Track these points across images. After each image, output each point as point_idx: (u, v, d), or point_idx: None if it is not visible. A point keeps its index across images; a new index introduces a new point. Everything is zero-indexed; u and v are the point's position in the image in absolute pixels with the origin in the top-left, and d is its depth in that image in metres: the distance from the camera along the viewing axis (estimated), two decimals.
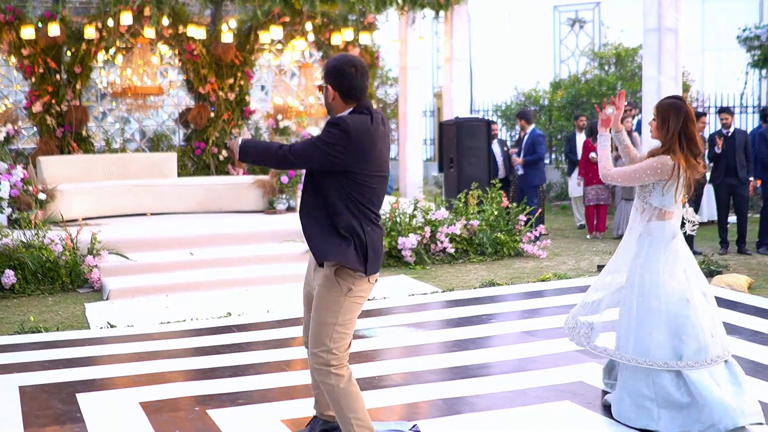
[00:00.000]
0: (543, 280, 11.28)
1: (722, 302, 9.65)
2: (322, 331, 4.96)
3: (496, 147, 15.46)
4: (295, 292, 10.67)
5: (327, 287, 4.95)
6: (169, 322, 9.29)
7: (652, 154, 5.91)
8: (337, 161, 4.80)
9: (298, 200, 14.71)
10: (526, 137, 15.17)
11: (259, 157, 5.00)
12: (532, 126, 15.37)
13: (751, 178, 13.79)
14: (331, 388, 5.00)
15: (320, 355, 4.98)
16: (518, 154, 15.31)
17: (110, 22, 15.96)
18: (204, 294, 10.77)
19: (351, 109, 4.97)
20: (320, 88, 5.05)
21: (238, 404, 6.47)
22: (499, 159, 15.26)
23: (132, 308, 10.05)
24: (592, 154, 15.15)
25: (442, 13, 17.53)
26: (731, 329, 8.48)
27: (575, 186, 16.23)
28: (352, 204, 4.89)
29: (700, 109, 19.44)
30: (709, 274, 11.44)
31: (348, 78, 4.92)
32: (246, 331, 8.86)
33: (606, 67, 22.45)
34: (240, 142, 4.97)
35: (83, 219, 13.63)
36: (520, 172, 15.04)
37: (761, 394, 6.50)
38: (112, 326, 9.11)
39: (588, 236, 15.47)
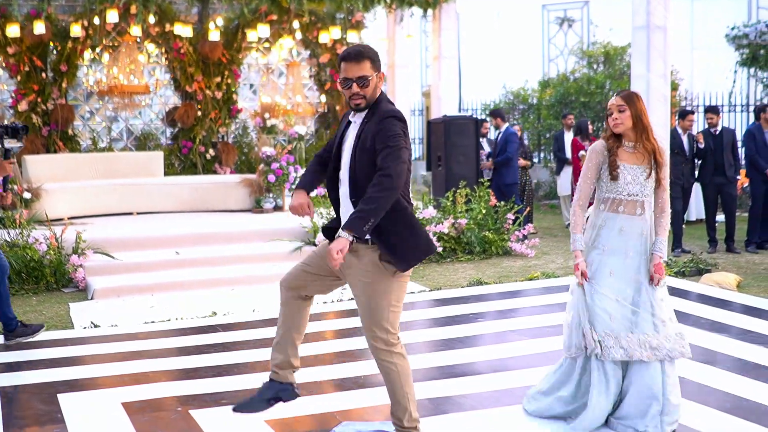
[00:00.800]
0: (531, 279, 11.22)
1: (711, 300, 9.66)
2: (378, 315, 5.21)
3: (485, 146, 15.42)
4: None
5: (374, 272, 5.13)
6: (153, 322, 9.20)
7: None
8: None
9: (286, 199, 14.76)
10: (500, 136, 15.10)
11: (379, 213, 4.88)
12: (506, 125, 15.27)
13: (739, 176, 13.76)
14: (394, 367, 5.31)
15: (381, 338, 5.27)
16: (489, 155, 15.21)
17: (96, 20, 15.87)
18: (189, 293, 10.68)
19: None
20: (362, 80, 5.08)
21: (222, 404, 6.38)
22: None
23: (117, 308, 9.95)
24: (581, 153, 15.10)
25: (430, 11, 17.47)
26: (720, 328, 8.46)
27: (564, 184, 16.18)
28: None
29: (688, 108, 19.43)
30: (698, 272, 11.42)
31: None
32: (231, 330, 8.78)
33: (595, 66, 22.42)
34: (352, 233, 4.84)
35: (69, 218, 13.54)
36: (487, 177, 14.84)
37: (750, 392, 6.45)
38: (95, 326, 9.02)
39: None
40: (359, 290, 5.23)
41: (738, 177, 13.64)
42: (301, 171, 15.06)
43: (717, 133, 13.26)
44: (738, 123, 19.83)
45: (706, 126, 13.51)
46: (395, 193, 4.91)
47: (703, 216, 15.94)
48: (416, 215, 12.62)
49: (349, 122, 5.27)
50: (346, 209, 5.16)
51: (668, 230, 5.80)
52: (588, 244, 5.77)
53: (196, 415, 6.15)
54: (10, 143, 7.87)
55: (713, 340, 7.92)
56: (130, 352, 8.00)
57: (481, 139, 15.39)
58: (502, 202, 13.69)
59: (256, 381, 6.94)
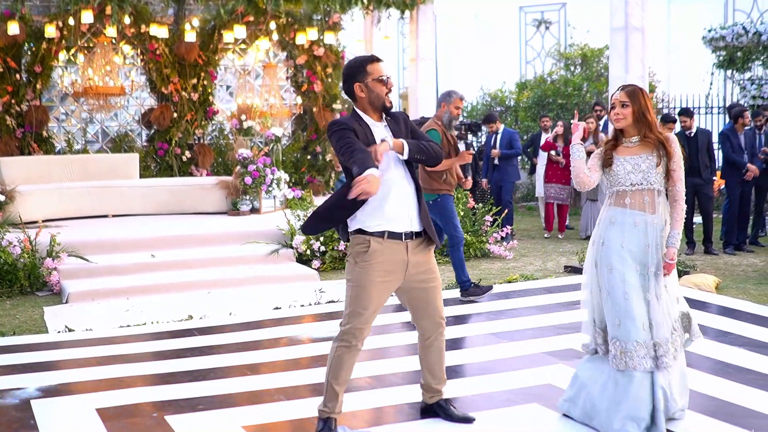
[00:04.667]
0: (510, 282, 11.18)
1: (690, 302, 9.61)
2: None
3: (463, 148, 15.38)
4: (258, 294, 10.55)
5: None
6: (128, 326, 9.09)
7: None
8: None
9: (263, 201, 14.67)
10: (499, 135, 15.07)
11: (429, 158, 5.54)
12: (502, 125, 15.29)
13: (715, 178, 13.77)
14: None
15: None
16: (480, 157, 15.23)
17: (71, 21, 15.72)
18: (165, 297, 10.58)
19: None
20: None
21: (198, 410, 6.30)
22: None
23: (91, 311, 9.83)
24: (552, 152, 15.11)
25: (407, 13, 17.46)
26: (699, 329, 8.42)
27: (542, 186, 16.15)
28: None
29: (665, 111, 19.46)
30: (677, 274, 11.38)
31: None
32: (207, 334, 8.68)
33: (572, 68, 22.43)
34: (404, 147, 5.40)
35: (43, 221, 13.38)
36: (482, 177, 14.83)
37: (729, 394, 6.43)
38: (70, 330, 8.90)
39: (546, 234, 15.46)
40: (435, 280, 5.63)
41: (714, 178, 13.65)
42: (278, 173, 14.97)
43: (692, 135, 13.26)
44: (715, 125, 19.86)
45: (681, 128, 13.52)
46: (437, 163, 5.64)
47: None
48: None
49: (368, 125, 5.44)
50: (408, 204, 5.45)
51: (682, 222, 5.72)
52: (600, 242, 5.72)
53: (172, 421, 6.07)
54: None
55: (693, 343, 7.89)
56: (105, 356, 7.90)
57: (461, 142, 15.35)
58: (480, 204, 13.66)
59: (232, 386, 6.89)
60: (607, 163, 5.70)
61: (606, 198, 5.82)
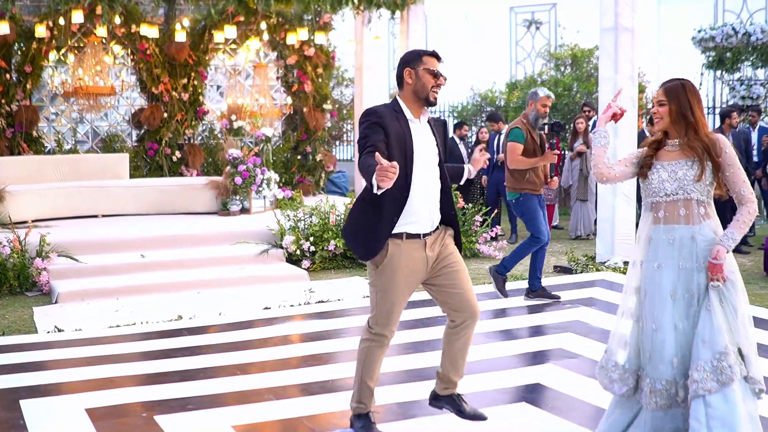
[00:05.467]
0: None
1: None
2: None
3: (462, 148, 15.41)
4: (248, 294, 10.56)
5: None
6: (118, 326, 9.08)
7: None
8: None
9: (252, 201, 14.66)
10: (502, 135, 15.11)
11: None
12: (506, 125, 15.34)
13: None
14: None
15: None
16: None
17: (61, 21, 15.69)
18: (155, 297, 10.56)
19: None
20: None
21: (188, 410, 6.31)
22: (466, 159, 15.20)
23: (81, 312, 9.81)
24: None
25: (398, 13, 17.44)
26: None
27: None
28: None
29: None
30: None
31: None
32: (197, 334, 8.68)
33: (562, 68, 22.46)
34: None
35: (33, 221, 13.33)
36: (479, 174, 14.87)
37: None
38: (59, 330, 8.89)
39: None
40: (460, 263, 5.59)
41: None
42: (268, 173, 14.96)
43: None
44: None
45: None
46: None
47: None
48: None
49: (407, 120, 5.42)
50: (431, 207, 5.44)
51: (744, 225, 4.98)
52: (640, 263, 5.21)
53: (161, 421, 6.07)
54: None
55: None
56: (95, 356, 7.90)
57: (459, 142, 15.41)
58: (470, 204, 13.68)
59: (221, 386, 6.90)
60: (644, 170, 5.18)
61: (643, 210, 5.27)
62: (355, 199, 5.63)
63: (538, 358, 7.62)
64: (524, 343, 8.12)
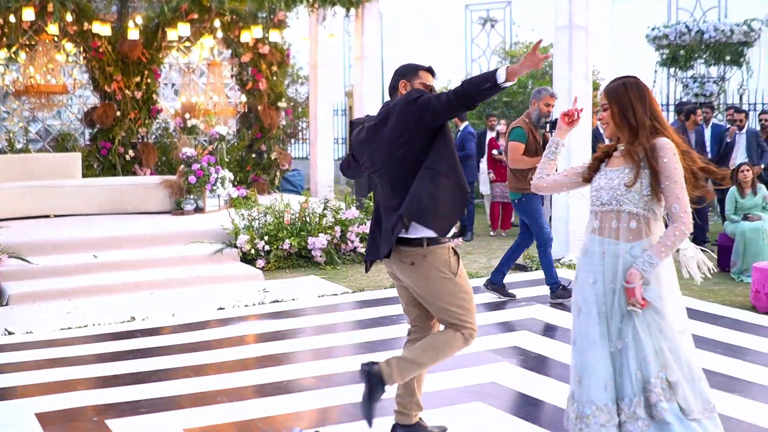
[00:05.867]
0: None
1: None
2: None
3: None
4: (202, 294, 10.47)
5: None
6: (70, 328, 8.95)
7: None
8: None
9: (207, 200, 14.55)
10: (459, 134, 15.13)
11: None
12: (465, 123, 15.32)
13: None
14: None
15: None
16: None
17: (12, 19, 15.46)
18: (108, 298, 10.43)
19: None
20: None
21: (140, 413, 6.23)
22: None
23: (32, 314, 9.67)
24: (494, 152, 15.17)
25: (353, 10, 17.40)
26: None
27: (488, 184, 16.19)
28: None
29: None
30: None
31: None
32: (150, 336, 8.58)
33: None
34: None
35: None
36: None
37: None
38: (9, 333, 8.75)
39: (492, 233, 15.55)
40: None
41: None
42: (223, 172, 14.85)
43: None
44: None
45: None
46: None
47: None
48: (338, 216, 12.56)
49: None
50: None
51: (666, 248, 4.44)
52: (575, 278, 4.81)
53: (113, 425, 5.99)
54: None
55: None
56: (46, 359, 7.78)
57: None
58: None
59: (174, 388, 6.82)
60: (586, 176, 4.81)
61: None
62: (429, 174, 5.11)
63: (492, 356, 7.61)
64: (478, 342, 8.04)
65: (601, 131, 13.30)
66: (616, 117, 4.61)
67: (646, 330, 4.49)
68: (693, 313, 8.93)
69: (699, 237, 13.50)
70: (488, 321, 8.93)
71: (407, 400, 5.57)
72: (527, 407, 6.31)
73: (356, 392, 6.58)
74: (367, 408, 5.23)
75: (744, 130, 14.31)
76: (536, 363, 7.40)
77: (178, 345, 8.19)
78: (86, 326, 9.02)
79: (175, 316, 9.40)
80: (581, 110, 5.05)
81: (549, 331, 8.53)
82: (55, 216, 14.43)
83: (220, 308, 9.71)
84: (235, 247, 12.21)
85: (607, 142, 5.05)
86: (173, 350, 8.01)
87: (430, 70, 5.53)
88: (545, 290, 10.13)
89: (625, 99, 4.59)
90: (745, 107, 17.72)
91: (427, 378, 6.83)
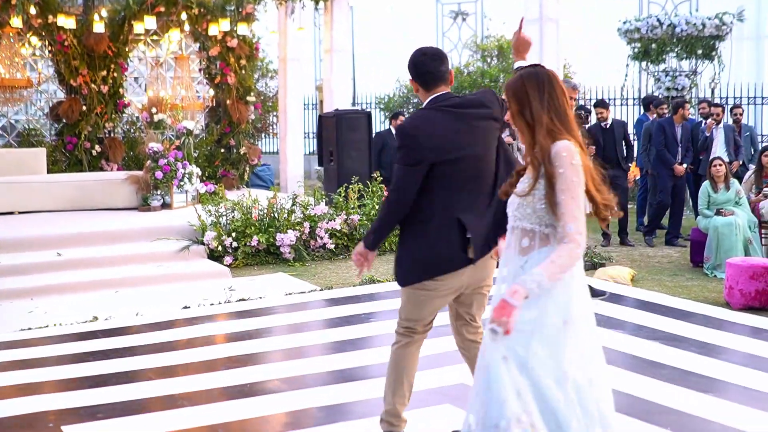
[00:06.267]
0: None
1: (608, 296, 9.58)
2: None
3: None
4: (168, 292, 10.26)
5: None
6: (30, 329, 8.70)
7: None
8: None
9: (174, 196, 14.31)
10: None
11: (383, 229, 5.05)
12: None
13: (630, 166, 13.80)
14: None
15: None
16: None
17: None
18: (71, 297, 10.20)
19: (432, 97, 5.02)
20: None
21: (98, 419, 6.02)
22: None
23: None
24: None
25: (322, 3, 17.25)
26: (615, 323, 8.38)
27: None
28: None
29: (581, 102, 19.51)
30: (593, 266, 11.39)
31: (417, 66, 5.13)
32: (112, 336, 8.35)
33: (488, 60, 22.40)
34: (365, 243, 5.05)
35: None
36: None
37: (644, 390, 6.35)
38: None
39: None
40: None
41: (629, 166, 13.68)
42: (190, 167, 14.65)
43: (607, 126, 13.27)
44: (630, 116, 19.99)
45: (597, 120, 13.54)
46: (390, 212, 4.94)
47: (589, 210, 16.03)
48: (307, 212, 12.36)
49: None
50: None
51: (558, 268, 3.64)
52: None
53: (70, 431, 5.79)
54: None
55: (607, 337, 7.82)
56: (3, 362, 7.54)
57: (395, 133, 15.20)
58: None
59: (135, 391, 6.62)
60: (506, 192, 3.99)
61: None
62: None
63: (461, 356, 7.41)
64: (446, 342, 7.89)
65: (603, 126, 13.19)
66: (515, 116, 3.86)
67: (501, 363, 3.70)
68: (665, 310, 8.90)
69: (673, 232, 13.44)
70: None
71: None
72: None
73: (326, 394, 6.43)
74: None
75: (721, 125, 14.26)
76: None
77: (141, 346, 7.98)
78: (47, 327, 8.78)
79: (139, 316, 9.18)
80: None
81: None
82: (20, 213, 14.15)
83: (186, 307, 9.50)
84: (202, 243, 12.00)
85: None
86: (136, 351, 7.79)
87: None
88: None
89: (521, 93, 3.83)
90: (716, 101, 17.67)
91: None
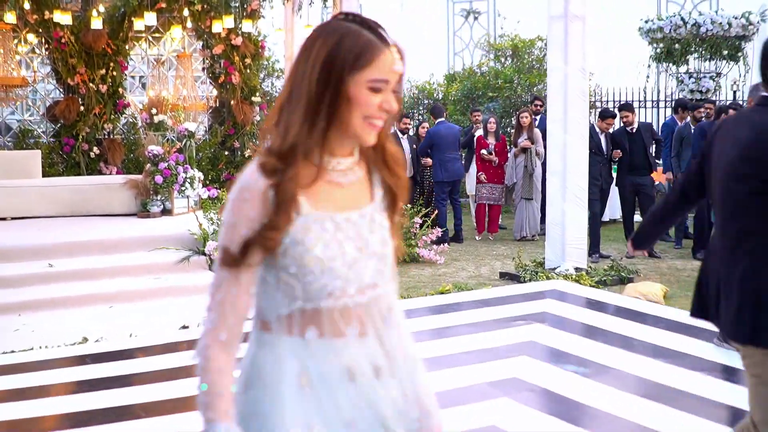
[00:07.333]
0: (442, 293, 10.21)
1: (639, 316, 8.85)
2: None
3: (405, 143, 14.47)
4: (165, 307, 9.53)
5: None
6: (13, 351, 7.95)
7: None
8: None
9: (175, 201, 13.58)
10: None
11: None
12: (438, 121, 14.48)
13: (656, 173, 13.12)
14: None
15: None
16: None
17: None
18: (61, 313, 9.45)
19: None
20: None
21: None
22: (408, 156, 14.31)
23: None
24: (483, 151, 14.36)
25: (330, 0, 16.53)
26: (647, 347, 7.61)
27: (473, 182, 15.34)
28: None
29: (598, 104, 18.81)
30: (620, 281, 10.67)
31: None
32: (102, 362, 7.58)
33: (502, 59, 21.68)
34: None
35: None
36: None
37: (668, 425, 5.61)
38: None
39: (477, 237, 14.69)
40: None
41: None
42: (192, 171, 13.94)
43: (633, 131, 12.56)
44: (649, 119, 19.27)
45: (622, 124, 12.83)
46: None
47: (615, 216, 15.37)
48: None
49: None
50: None
51: None
52: None
53: None
54: None
55: (637, 363, 7.06)
56: None
57: (401, 136, 14.48)
58: (409, 205, 12.76)
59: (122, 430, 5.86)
60: None
61: None
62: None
63: (490, 390, 6.64)
64: (472, 371, 7.14)
65: (596, 128, 12.46)
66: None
67: None
68: (709, 335, 7.99)
69: (701, 243, 12.67)
70: (482, 345, 7.98)
71: None
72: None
73: None
74: None
75: None
76: (539, 399, 6.46)
77: (133, 375, 7.22)
78: (32, 349, 8.02)
79: (133, 338, 8.42)
80: None
81: (552, 357, 7.61)
82: (12, 219, 13.44)
83: (184, 327, 8.74)
84: (204, 254, 11.26)
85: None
86: (124, 382, 7.00)
87: None
88: (542, 306, 9.31)
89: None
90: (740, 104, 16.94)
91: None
